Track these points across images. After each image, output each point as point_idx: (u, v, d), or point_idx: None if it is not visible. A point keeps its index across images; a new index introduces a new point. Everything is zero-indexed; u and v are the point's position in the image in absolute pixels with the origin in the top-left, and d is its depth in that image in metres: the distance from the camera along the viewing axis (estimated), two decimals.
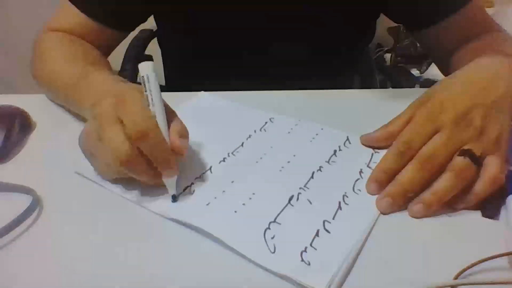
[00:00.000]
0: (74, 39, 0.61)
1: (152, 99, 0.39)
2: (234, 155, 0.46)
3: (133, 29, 0.70)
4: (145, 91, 0.39)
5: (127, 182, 0.41)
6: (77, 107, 0.51)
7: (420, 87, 0.79)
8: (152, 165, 0.38)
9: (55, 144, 0.49)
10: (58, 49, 0.59)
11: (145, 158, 0.37)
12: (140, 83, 0.39)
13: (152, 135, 0.36)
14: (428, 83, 1.35)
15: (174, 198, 0.40)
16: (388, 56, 1.67)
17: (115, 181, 0.42)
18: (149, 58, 0.38)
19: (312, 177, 0.43)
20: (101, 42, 0.63)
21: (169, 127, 0.40)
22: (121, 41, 0.69)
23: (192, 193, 0.41)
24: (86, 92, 0.47)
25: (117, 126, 0.36)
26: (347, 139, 0.49)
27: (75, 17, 0.61)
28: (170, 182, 0.39)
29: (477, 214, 0.38)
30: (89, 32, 0.62)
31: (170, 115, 0.41)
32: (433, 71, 1.48)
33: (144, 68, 0.39)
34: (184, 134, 0.40)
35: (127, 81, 0.46)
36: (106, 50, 0.65)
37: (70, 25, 0.62)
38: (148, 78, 0.39)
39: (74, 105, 0.52)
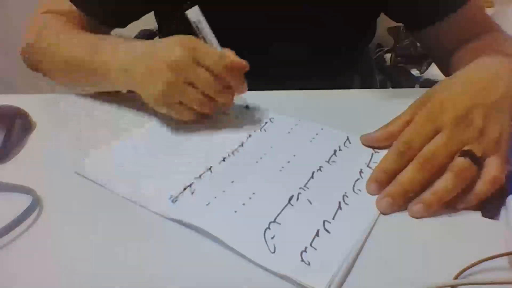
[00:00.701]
0: (70, 20, 0.62)
1: (208, 38, 0.47)
2: (234, 155, 0.46)
3: (125, 26, 0.70)
4: (199, 34, 0.47)
5: (127, 182, 0.41)
6: (101, 71, 0.51)
7: (420, 87, 0.79)
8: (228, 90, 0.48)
9: (55, 144, 0.49)
10: (67, 26, 0.59)
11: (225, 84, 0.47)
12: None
13: (231, 66, 0.45)
14: (428, 83, 1.36)
15: (248, 107, 0.53)
16: (388, 56, 1.66)
17: (116, 181, 0.42)
18: (192, 3, 0.47)
19: (312, 177, 0.43)
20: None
21: None
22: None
23: (192, 193, 0.41)
24: (112, 50, 0.51)
25: (200, 68, 0.45)
26: (347, 139, 0.49)
27: (67, 8, 0.62)
28: (241, 97, 0.51)
29: (477, 214, 0.38)
30: (80, 24, 0.62)
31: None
32: (433, 71, 1.48)
33: (193, 13, 0.46)
34: (238, 58, 0.47)
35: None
36: None
37: (64, 15, 0.62)
38: (199, 21, 0.46)
39: (97, 69, 0.52)
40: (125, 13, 0.64)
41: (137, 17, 0.68)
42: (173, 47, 0.45)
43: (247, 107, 0.53)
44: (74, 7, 0.62)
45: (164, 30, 0.76)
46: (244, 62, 0.47)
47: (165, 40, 0.47)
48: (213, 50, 0.46)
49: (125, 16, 0.65)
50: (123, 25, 0.68)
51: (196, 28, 0.47)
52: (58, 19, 0.61)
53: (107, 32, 0.68)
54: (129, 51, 0.50)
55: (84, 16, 0.62)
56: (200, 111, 0.48)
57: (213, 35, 0.47)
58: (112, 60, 0.50)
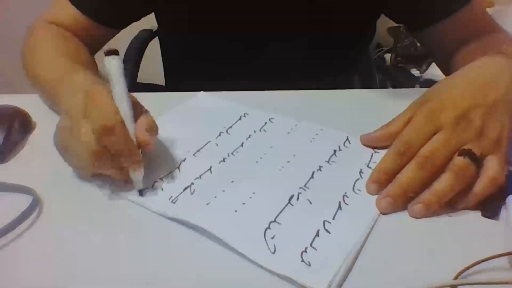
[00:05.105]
0: (68, 36, 0.61)
1: (116, 95, 0.38)
2: (234, 155, 0.46)
3: (125, 27, 0.70)
4: (111, 87, 0.39)
5: (126, 181, 0.41)
6: (56, 102, 0.50)
7: (420, 87, 0.79)
8: (119, 160, 0.38)
9: None
10: (50, 42, 0.59)
11: (111, 153, 0.37)
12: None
13: (116, 129, 0.36)
14: (428, 83, 1.36)
15: (141, 193, 0.40)
16: (388, 56, 1.66)
17: (116, 180, 0.42)
18: (115, 51, 0.39)
19: (312, 177, 0.43)
20: (93, 39, 0.64)
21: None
22: (112, 37, 0.69)
23: (192, 193, 0.41)
24: (67, 89, 0.46)
25: (86, 121, 0.37)
26: (347, 139, 0.49)
27: (69, 11, 0.62)
28: (136, 177, 0.39)
29: (477, 214, 0.38)
30: (81, 27, 0.63)
31: (139, 110, 0.41)
32: (433, 71, 1.48)
33: (108, 63, 0.39)
34: (151, 128, 0.40)
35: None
36: (97, 46, 0.66)
37: (65, 20, 0.62)
38: (110, 74, 0.39)
39: (54, 100, 0.50)
40: (124, 14, 0.64)
41: (137, 18, 0.69)
42: (74, 94, 0.39)
43: (140, 192, 0.40)
44: (76, 11, 0.62)
45: (165, 29, 0.76)
46: (146, 140, 0.38)
47: (94, 86, 0.41)
48: (107, 109, 0.37)
49: (124, 16, 0.65)
50: (123, 25, 0.68)
51: (108, 79, 0.39)
52: (55, 37, 0.60)
53: (110, 34, 0.68)
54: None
55: (85, 19, 0.62)
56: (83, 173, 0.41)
57: (125, 91, 0.38)
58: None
